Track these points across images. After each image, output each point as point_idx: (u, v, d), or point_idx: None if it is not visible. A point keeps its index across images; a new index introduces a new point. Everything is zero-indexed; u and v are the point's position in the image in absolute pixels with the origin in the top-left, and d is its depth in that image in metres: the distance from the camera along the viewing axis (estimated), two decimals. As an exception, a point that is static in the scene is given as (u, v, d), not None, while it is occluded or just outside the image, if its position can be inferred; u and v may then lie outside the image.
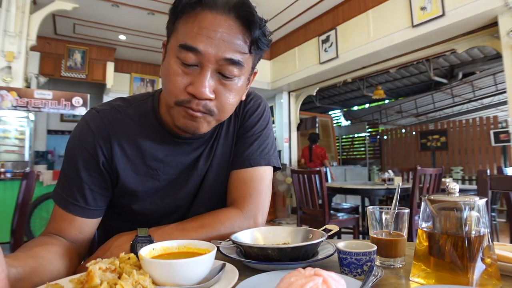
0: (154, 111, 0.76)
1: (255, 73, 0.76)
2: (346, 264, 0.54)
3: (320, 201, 3.00)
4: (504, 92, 7.84)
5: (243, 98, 0.76)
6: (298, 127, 7.23)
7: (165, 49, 0.69)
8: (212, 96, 0.64)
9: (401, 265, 0.60)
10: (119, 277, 0.43)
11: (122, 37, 6.28)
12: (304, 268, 0.42)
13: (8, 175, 3.82)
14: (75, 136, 0.73)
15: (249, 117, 0.83)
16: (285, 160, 6.84)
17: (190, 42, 0.61)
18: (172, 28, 0.66)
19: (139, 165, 0.75)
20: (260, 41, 0.66)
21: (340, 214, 3.23)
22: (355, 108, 11.88)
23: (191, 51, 0.61)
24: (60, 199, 0.71)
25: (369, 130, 8.92)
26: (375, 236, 0.63)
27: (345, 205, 4.00)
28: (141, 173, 0.75)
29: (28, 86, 5.13)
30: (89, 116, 0.74)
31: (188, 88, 0.63)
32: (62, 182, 0.72)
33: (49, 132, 7.07)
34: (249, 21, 0.63)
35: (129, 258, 0.48)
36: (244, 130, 0.83)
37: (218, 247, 0.53)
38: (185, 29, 0.62)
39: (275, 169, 0.85)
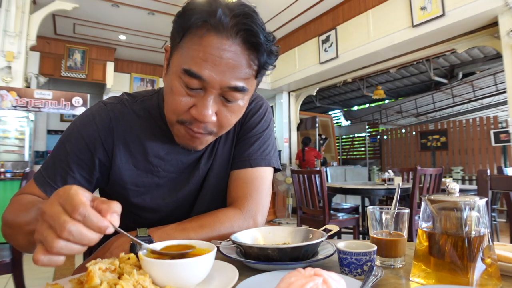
0: (159, 108, 0.77)
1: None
2: (346, 264, 0.53)
3: (320, 202, 3.00)
4: (504, 92, 7.84)
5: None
6: (298, 127, 7.23)
7: (169, 56, 0.68)
8: (214, 120, 0.65)
9: (401, 265, 0.60)
10: (119, 277, 0.43)
11: (122, 37, 6.28)
12: (304, 268, 0.42)
13: (8, 175, 3.82)
14: (77, 125, 0.73)
15: (251, 118, 0.84)
16: (285, 160, 6.84)
17: (194, 69, 0.60)
18: (177, 43, 0.64)
19: (140, 160, 0.75)
20: (267, 64, 0.65)
21: (340, 214, 3.23)
22: (355, 108, 11.88)
23: (195, 77, 0.60)
24: (40, 178, 0.70)
25: (369, 130, 8.91)
26: (375, 236, 0.63)
27: (345, 205, 4.00)
28: (141, 168, 0.75)
29: (28, 86, 5.13)
30: (96, 109, 0.75)
31: (192, 110, 0.63)
32: (47, 163, 0.72)
33: (49, 132, 7.07)
34: (256, 49, 0.62)
35: (129, 258, 0.48)
36: (245, 131, 0.83)
37: (218, 247, 0.53)
38: (190, 52, 0.61)
39: (275, 170, 0.86)
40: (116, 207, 0.43)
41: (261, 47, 0.61)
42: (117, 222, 0.43)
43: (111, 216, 0.42)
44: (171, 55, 0.67)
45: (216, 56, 0.59)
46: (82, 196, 0.41)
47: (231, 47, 0.60)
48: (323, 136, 7.69)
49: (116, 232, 0.68)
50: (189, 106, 0.64)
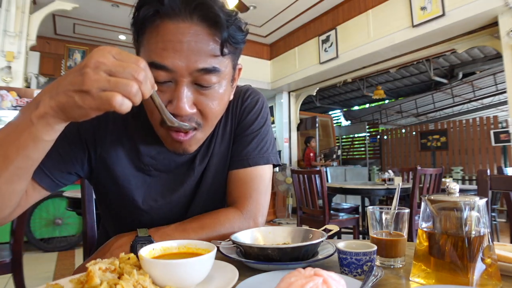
0: None
1: (240, 69, 0.73)
2: (346, 264, 0.53)
3: (320, 201, 3.01)
4: (504, 92, 7.84)
5: (231, 97, 0.74)
6: (298, 127, 7.23)
7: None
8: (193, 110, 0.62)
9: (401, 265, 0.60)
10: (119, 277, 0.43)
11: (122, 37, 6.27)
12: (304, 268, 0.42)
13: (8, 175, 3.81)
14: None
15: (247, 115, 0.82)
16: (285, 160, 6.84)
17: (157, 60, 0.57)
18: (138, 44, 0.63)
19: (133, 159, 0.75)
20: (233, 39, 0.62)
21: (340, 214, 3.23)
22: (355, 108, 11.88)
23: (160, 69, 0.58)
24: None
25: (369, 130, 8.91)
26: (375, 236, 0.63)
27: (345, 205, 4.00)
28: (133, 167, 0.75)
29: (28, 86, 5.12)
30: None
31: (168, 107, 0.61)
32: None
33: (49, 132, 7.07)
34: (215, 22, 0.58)
35: (129, 259, 0.48)
36: (242, 129, 0.81)
37: (218, 247, 0.53)
38: (149, 46, 0.59)
39: (275, 166, 0.84)
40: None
41: (219, 19, 0.58)
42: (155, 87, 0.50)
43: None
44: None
45: (176, 42, 0.57)
46: None
47: (189, 29, 0.57)
48: (327, 151, 7.17)
49: (115, 234, 0.68)
50: (165, 104, 0.61)
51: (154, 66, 0.57)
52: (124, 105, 0.43)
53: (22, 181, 0.56)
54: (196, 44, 0.58)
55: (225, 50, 0.61)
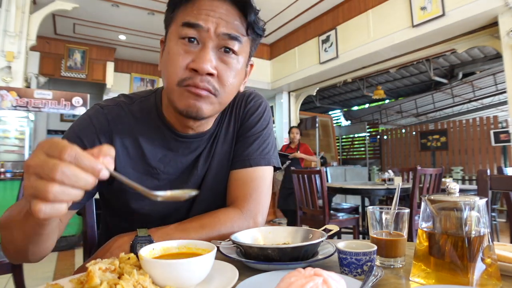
0: (156, 108, 0.77)
1: (252, 65, 0.78)
2: (346, 264, 0.54)
3: (320, 201, 3.00)
4: (504, 92, 7.83)
5: (241, 89, 0.78)
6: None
7: (163, 46, 0.71)
8: (214, 71, 0.65)
9: (401, 265, 0.60)
10: (119, 277, 0.43)
11: (122, 37, 6.27)
12: (304, 268, 0.42)
13: (8, 175, 3.81)
14: (75, 129, 0.72)
15: (250, 117, 0.83)
16: (285, 160, 6.83)
17: (191, 20, 0.64)
18: (171, 17, 0.69)
19: (139, 163, 0.75)
20: (256, 25, 0.69)
21: (340, 214, 3.23)
22: (355, 108, 11.88)
23: (192, 27, 0.64)
24: None
25: (369, 130, 8.91)
26: (375, 236, 0.63)
27: (345, 205, 4.00)
28: (140, 171, 0.75)
29: (28, 86, 5.12)
30: (92, 112, 0.74)
31: (190, 64, 0.64)
32: None
33: (49, 132, 7.06)
34: (244, 6, 0.66)
35: (129, 258, 0.48)
36: (244, 130, 0.83)
37: (218, 247, 0.53)
38: (184, 13, 0.66)
39: (275, 169, 0.85)
40: (108, 150, 0.41)
41: (249, 6, 0.66)
42: (111, 165, 0.40)
43: (104, 158, 0.40)
44: (167, 34, 0.70)
45: (210, 10, 0.64)
46: (68, 142, 0.38)
47: (222, 7, 0.65)
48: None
49: (116, 233, 0.68)
50: (188, 63, 0.64)
51: (187, 24, 0.64)
52: (43, 212, 0.36)
53: (53, 238, 0.60)
54: (226, 17, 0.65)
55: (249, 31, 0.69)
